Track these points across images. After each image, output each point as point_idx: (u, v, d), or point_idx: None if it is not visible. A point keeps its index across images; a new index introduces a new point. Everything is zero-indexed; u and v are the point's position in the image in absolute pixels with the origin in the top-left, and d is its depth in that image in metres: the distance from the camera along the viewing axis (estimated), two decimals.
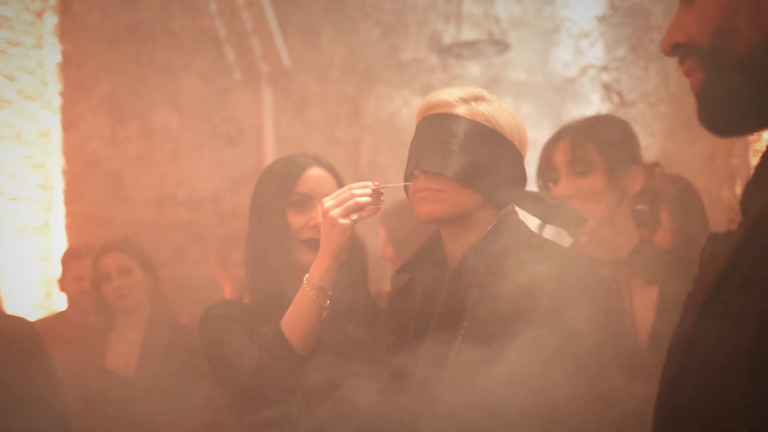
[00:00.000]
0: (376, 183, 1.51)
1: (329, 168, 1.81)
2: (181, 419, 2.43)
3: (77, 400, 2.29)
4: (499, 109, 1.46)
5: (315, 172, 1.77)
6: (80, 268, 3.15)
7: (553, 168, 1.84)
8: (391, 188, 1.53)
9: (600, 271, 1.39)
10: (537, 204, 1.47)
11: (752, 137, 3.26)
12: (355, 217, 1.49)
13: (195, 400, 2.44)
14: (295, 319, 1.55)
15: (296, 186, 1.75)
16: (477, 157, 1.41)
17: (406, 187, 1.50)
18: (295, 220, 1.74)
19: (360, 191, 1.50)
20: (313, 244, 1.71)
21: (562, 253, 1.41)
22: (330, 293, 1.54)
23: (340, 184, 1.79)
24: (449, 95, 1.46)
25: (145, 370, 2.65)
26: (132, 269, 2.78)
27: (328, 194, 1.74)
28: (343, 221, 1.48)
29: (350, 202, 1.49)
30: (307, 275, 1.55)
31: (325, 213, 1.50)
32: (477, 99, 1.46)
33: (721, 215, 3.14)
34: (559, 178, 1.82)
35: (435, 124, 1.45)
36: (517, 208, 1.50)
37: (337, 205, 1.49)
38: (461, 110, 1.44)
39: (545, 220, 1.47)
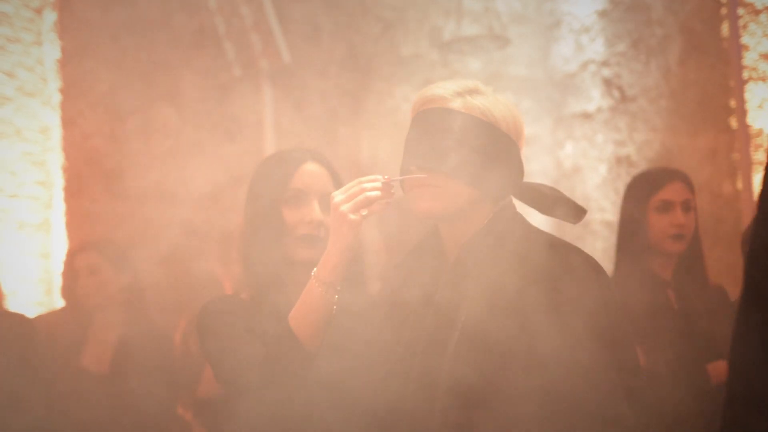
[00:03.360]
0: (386, 176, 1.47)
1: (324, 163, 1.79)
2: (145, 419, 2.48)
3: (54, 398, 2.31)
4: (494, 102, 1.45)
5: (310, 168, 1.76)
6: None
7: None
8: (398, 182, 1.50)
9: (596, 263, 1.38)
10: (535, 196, 1.46)
11: (753, 132, 3.25)
12: (365, 212, 1.45)
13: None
14: (304, 314, 1.51)
15: (291, 182, 1.73)
16: (473, 151, 1.40)
17: (402, 184, 1.48)
18: (290, 216, 1.72)
19: (370, 185, 1.46)
20: (309, 240, 1.70)
21: (559, 245, 1.41)
22: (339, 289, 1.50)
23: (336, 179, 1.78)
24: (444, 89, 1.45)
25: (117, 370, 2.66)
26: (100, 268, 2.77)
27: (323, 190, 1.72)
28: (353, 217, 1.44)
29: (360, 197, 1.44)
30: (314, 270, 1.51)
31: (335, 208, 1.46)
32: (472, 92, 1.45)
33: (722, 210, 3.13)
34: None
35: (430, 119, 1.43)
36: (515, 201, 1.49)
37: (347, 200, 1.45)
38: (456, 104, 1.43)
39: (544, 212, 1.46)
